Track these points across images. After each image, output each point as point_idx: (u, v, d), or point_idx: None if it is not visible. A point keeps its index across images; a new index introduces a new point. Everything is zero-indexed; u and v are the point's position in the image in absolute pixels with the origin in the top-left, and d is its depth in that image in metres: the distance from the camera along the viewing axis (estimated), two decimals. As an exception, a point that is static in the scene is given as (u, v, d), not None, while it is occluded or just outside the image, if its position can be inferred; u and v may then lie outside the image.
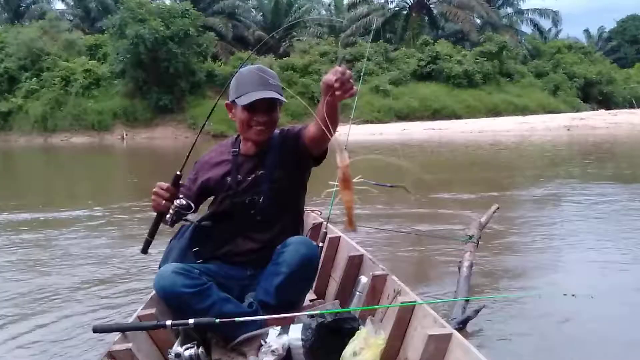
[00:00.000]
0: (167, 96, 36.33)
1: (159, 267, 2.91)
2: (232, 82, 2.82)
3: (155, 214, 2.69)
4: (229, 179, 2.88)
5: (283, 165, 2.76)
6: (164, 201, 2.61)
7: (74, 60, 38.44)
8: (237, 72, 2.83)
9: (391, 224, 7.43)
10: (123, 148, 30.80)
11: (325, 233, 3.77)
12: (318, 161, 2.84)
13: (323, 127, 2.52)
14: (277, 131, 2.91)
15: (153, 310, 2.66)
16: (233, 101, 2.81)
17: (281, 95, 2.76)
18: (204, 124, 3.27)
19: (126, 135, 35.50)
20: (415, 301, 2.65)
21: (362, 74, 7.09)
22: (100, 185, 13.95)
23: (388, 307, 2.83)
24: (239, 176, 2.86)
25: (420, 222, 7.54)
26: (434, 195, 9.53)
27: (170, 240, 3.03)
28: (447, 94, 41.25)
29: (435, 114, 39.32)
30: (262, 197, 2.78)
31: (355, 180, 2.27)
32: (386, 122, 36.08)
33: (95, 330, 2.46)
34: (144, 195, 10.17)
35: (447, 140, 26.60)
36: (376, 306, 2.97)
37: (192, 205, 2.67)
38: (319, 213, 4.29)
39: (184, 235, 2.96)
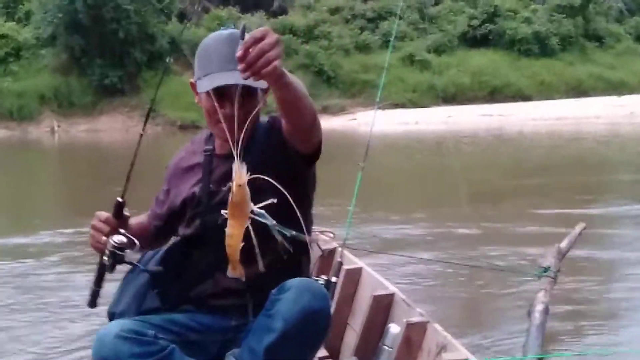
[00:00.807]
0: (116, 72, 36.53)
1: (108, 313, 2.94)
2: (196, 54, 2.84)
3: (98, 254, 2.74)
4: (197, 189, 2.91)
5: (268, 168, 2.67)
6: (104, 238, 2.69)
7: (-17, 21, 38.84)
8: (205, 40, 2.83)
9: (433, 250, 7.44)
10: (53, 145, 30.92)
11: (341, 263, 3.77)
12: (310, 161, 2.84)
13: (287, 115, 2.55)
14: (264, 119, 2.92)
15: None
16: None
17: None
18: (150, 109, 3.27)
19: (58, 126, 35.59)
20: (467, 359, 2.67)
21: (392, 37, 7.10)
22: (20, 200, 13.96)
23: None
24: (211, 185, 2.86)
25: (474, 247, 7.55)
26: (493, 211, 9.54)
27: (127, 274, 3.04)
28: (510, 65, 41.29)
29: (494, 94, 39.32)
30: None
31: (254, 208, 2.38)
32: (424, 106, 36.11)
33: None
34: (83, 215, 10.16)
35: (511, 130, 26.62)
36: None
37: (135, 241, 2.75)
38: (332, 235, 4.32)
39: (152, 260, 2.99)
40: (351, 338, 3.60)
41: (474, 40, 42.48)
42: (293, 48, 37.02)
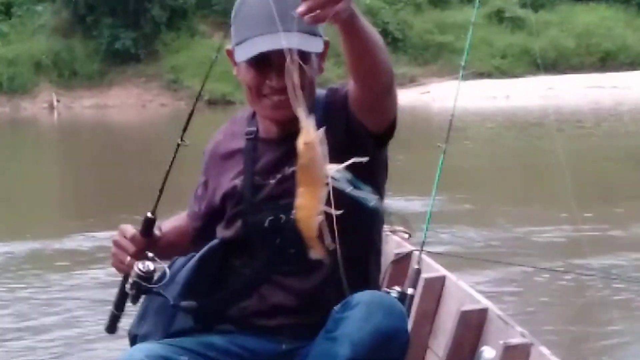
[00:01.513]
0: (129, 33, 36.79)
1: (129, 335, 2.98)
2: (233, 14, 2.85)
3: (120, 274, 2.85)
4: (238, 182, 2.93)
5: (331, 152, 2.71)
6: (128, 258, 2.75)
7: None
8: None
9: (531, 256, 7.44)
10: (52, 124, 31.27)
11: (419, 271, 3.78)
12: (382, 141, 2.84)
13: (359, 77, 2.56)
14: (322, 92, 2.93)
15: None
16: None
17: (317, 34, 2.74)
18: (201, 90, 3.32)
19: (58, 101, 35.98)
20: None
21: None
22: (11, 195, 14.12)
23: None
24: (256, 177, 2.88)
25: (581, 253, 7.48)
26: (605, 211, 9.48)
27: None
28: (627, 24, 40.80)
29: (606, 61, 38.85)
30: (292, 215, 2.77)
31: (332, 171, 2.35)
32: (517, 76, 35.79)
33: None
34: (89, 215, 10.30)
35: (629, 107, 26.25)
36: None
37: (167, 270, 2.82)
38: (407, 235, 4.32)
39: (175, 278, 3.00)
40: (433, 364, 3.61)
41: (581, -9, 41.97)
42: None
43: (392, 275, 4.13)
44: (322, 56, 2.80)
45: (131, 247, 2.73)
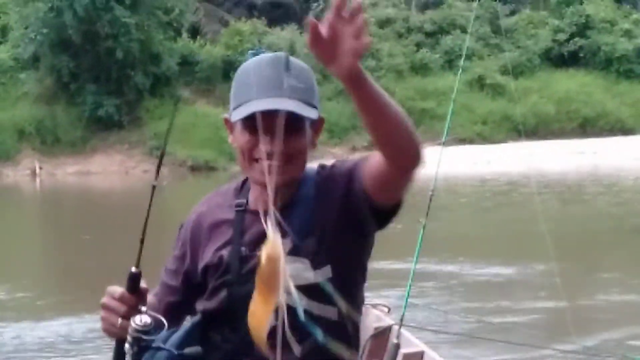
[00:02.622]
0: (112, 100, 37.06)
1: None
2: (233, 83, 2.86)
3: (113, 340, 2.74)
4: (225, 253, 2.90)
5: (322, 230, 2.72)
6: (120, 320, 2.65)
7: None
8: (240, 65, 2.85)
9: (518, 332, 7.40)
10: (35, 192, 31.24)
11: (398, 346, 3.76)
12: (385, 220, 2.82)
13: (385, 150, 2.49)
14: (312, 168, 2.92)
15: None
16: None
17: (312, 104, 2.75)
18: (164, 148, 3.21)
19: (40, 168, 36.03)
20: None
21: (463, 54, 7.02)
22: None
23: None
24: (243, 248, 2.86)
25: (565, 327, 7.51)
26: (590, 280, 9.50)
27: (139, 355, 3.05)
28: (606, 90, 41.21)
29: (586, 127, 39.16)
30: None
31: (291, 289, 2.33)
32: (498, 142, 36.04)
33: None
34: (73, 286, 10.29)
35: (609, 172, 26.39)
36: None
37: (163, 320, 2.73)
38: (386, 309, 4.29)
39: (157, 354, 2.97)
40: None
41: (560, 58, 42.49)
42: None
43: (372, 349, 4.09)
44: (316, 131, 2.81)
45: (121, 308, 2.65)
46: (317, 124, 2.80)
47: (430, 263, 9.86)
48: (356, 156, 2.86)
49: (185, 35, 39.90)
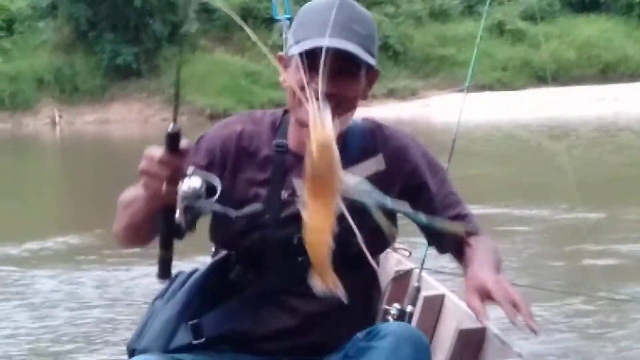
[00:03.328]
0: (130, 48, 37.04)
1: (127, 349, 2.94)
2: (294, 21, 2.81)
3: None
4: (262, 192, 2.85)
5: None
6: (164, 185, 2.42)
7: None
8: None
9: (539, 276, 7.42)
10: (54, 140, 31.31)
11: (418, 289, 3.77)
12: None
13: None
14: (358, 121, 2.86)
15: None
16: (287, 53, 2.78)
17: (371, 53, 2.69)
18: (177, 92, 2.89)
19: (60, 117, 36.14)
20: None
21: (486, 3, 6.99)
22: (12, 212, 14.12)
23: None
24: (283, 191, 2.81)
25: (590, 272, 7.49)
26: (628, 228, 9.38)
27: (154, 300, 3.05)
28: (627, 35, 40.91)
29: (607, 72, 38.90)
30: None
31: (344, 186, 2.13)
32: (517, 88, 35.84)
33: None
34: (90, 229, 10.36)
35: (629, 119, 26.22)
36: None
37: (216, 184, 2.56)
38: (407, 253, 4.29)
39: (177, 294, 2.97)
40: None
41: (581, 3, 42.11)
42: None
43: (392, 292, 4.10)
44: (370, 82, 2.75)
45: (164, 171, 2.37)
46: (373, 75, 2.74)
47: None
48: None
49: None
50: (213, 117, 29.53)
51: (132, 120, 34.79)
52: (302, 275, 2.71)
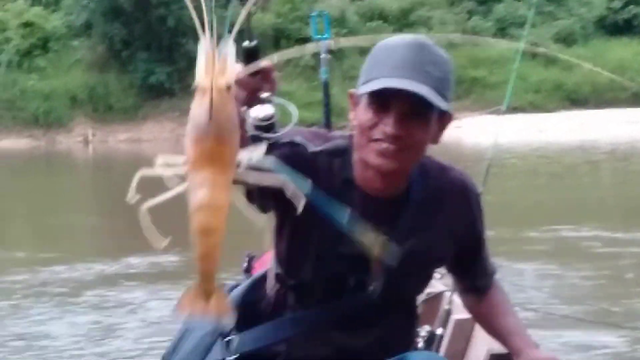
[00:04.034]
0: (163, 68, 37.30)
1: (162, 359, 2.95)
2: (367, 58, 2.74)
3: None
4: (322, 227, 2.75)
5: (426, 235, 2.71)
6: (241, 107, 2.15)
7: (4, 6, 39.83)
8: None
9: (573, 303, 7.34)
10: (87, 158, 31.47)
11: (449, 312, 3.76)
12: None
13: None
14: (435, 168, 2.81)
15: None
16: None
17: (444, 96, 2.62)
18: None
19: (93, 135, 36.39)
20: None
21: (529, 19, 7.00)
22: (45, 231, 14.13)
23: None
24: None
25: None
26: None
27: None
28: (661, 58, 40.57)
29: (640, 96, 38.69)
30: (376, 282, 2.74)
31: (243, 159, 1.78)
32: (550, 111, 35.71)
33: None
34: (126, 249, 10.42)
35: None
36: None
37: (292, 110, 2.35)
38: (439, 276, 4.27)
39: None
40: (461, 407, 3.55)
41: (615, 26, 41.96)
42: (383, 37, 37.13)
43: (423, 314, 4.08)
44: (442, 126, 2.66)
45: (240, 92, 2.10)
46: (445, 119, 2.67)
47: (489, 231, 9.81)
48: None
49: (234, 2, 39.86)
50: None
51: (165, 140, 34.88)
52: (348, 313, 2.72)
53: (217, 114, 1.68)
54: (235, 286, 2.93)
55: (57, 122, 36.72)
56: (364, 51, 2.61)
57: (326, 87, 5.91)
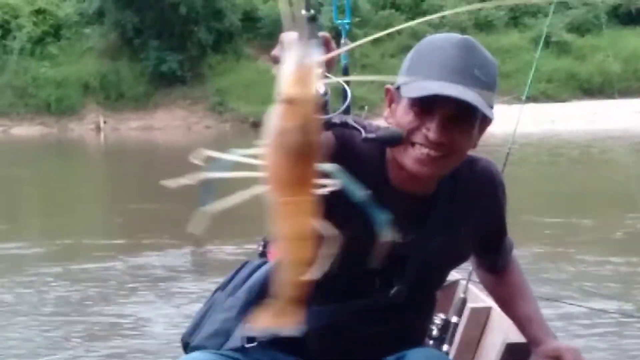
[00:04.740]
0: (175, 56, 37.38)
1: (182, 341, 2.93)
2: (409, 55, 2.66)
3: None
4: (356, 223, 2.68)
5: (456, 231, 2.70)
6: None
7: (17, -6, 40.08)
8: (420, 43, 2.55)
9: (589, 295, 7.32)
10: (99, 145, 31.55)
11: (465, 300, 3.75)
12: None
13: None
14: (464, 163, 2.74)
15: None
16: (398, 87, 2.63)
17: (489, 103, 2.56)
18: None
19: (104, 123, 36.50)
20: None
21: (550, 10, 6.89)
22: (57, 218, 14.09)
23: None
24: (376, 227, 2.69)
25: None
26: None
27: (215, 291, 3.01)
28: (675, 48, 40.47)
29: (654, 86, 38.59)
30: (399, 284, 2.72)
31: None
32: (562, 101, 35.65)
33: None
34: (139, 237, 10.42)
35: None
36: None
37: (347, 90, 2.28)
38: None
39: (239, 291, 2.93)
40: (476, 398, 3.55)
41: (629, 16, 41.83)
42: (395, 26, 37.06)
43: (439, 302, 4.09)
44: (481, 130, 2.59)
45: None
46: (486, 123, 2.59)
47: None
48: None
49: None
50: (256, 125, 29.55)
51: (176, 127, 35.03)
52: (370, 312, 2.71)
53: (309, 130, 1.54)
54: (259, 266, 2.90)
55: (69, 109, 36.90)
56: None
57: (346, 72, 5.86)
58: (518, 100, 4.87)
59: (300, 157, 1.50)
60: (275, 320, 1.78)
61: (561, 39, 38.73)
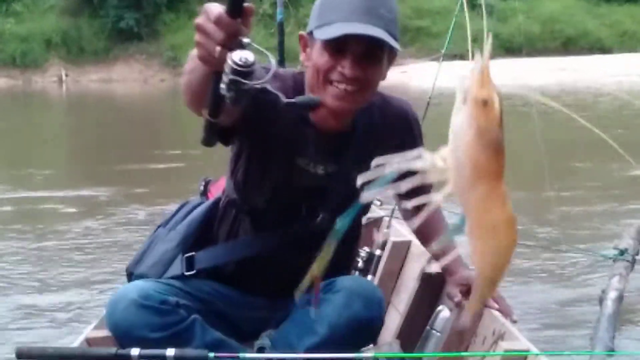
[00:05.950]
0: (132, 13, 36.91)
1: (126, 271, 2.96)
2: (316, 3, 2.61)
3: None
4: (281, 151, 2.71)
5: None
6: (218, 48, 1.97)
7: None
8: None
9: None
10: (61, 96, 31.19)
11: (387, 235, 3.81)
12: None
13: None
14: (377, 100, 2.78)
15: (108, 333, 2.69)
16: (311, 33, 2.59)
17: (395, 37, 2.56)
18: None
19: (66, 75, 36.06)
20: (528, 350, 2.64)
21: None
22: (21, 163, 13.98)
23: (484, 358, 2.82)
24: (300, 160, 2.71)
25: (537, 223, 7.52)
26: (566, 185, 9.45)
27: (158, 227, 3.05)
28: (587, 11, 40.77)
29: (568, 46, 38.86)
30: (324, 213, 2.78)
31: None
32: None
33: (21, 355, 2.52)
34: (95, 180, 10.29)
35: (586, 87, 26.24)
36: (465, 353, 2.96)
37: (272, 59, 2.14)
38: (379, 202, 4.33)
39: (179, 226, 2.97)
40: (394, 319, 3.60)
41: (547, -18, 41.81)
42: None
43: (363, 237, 4.16)
44: (389, 62, 2.66)
45: (219, 33, 1.93)
46: (392, 56, 2.67)
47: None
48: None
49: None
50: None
51: (133, 80, 34.88)
52: (298, 238, 2.76)
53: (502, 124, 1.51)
54: (198, 205, 2.95)
55: (33, 63, 36.48)
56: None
57: (281, 27, 5.83)
58: (444, 57, 4.94)
59: (502, 149, 1.47)
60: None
61: (486, 2, 38.77)
